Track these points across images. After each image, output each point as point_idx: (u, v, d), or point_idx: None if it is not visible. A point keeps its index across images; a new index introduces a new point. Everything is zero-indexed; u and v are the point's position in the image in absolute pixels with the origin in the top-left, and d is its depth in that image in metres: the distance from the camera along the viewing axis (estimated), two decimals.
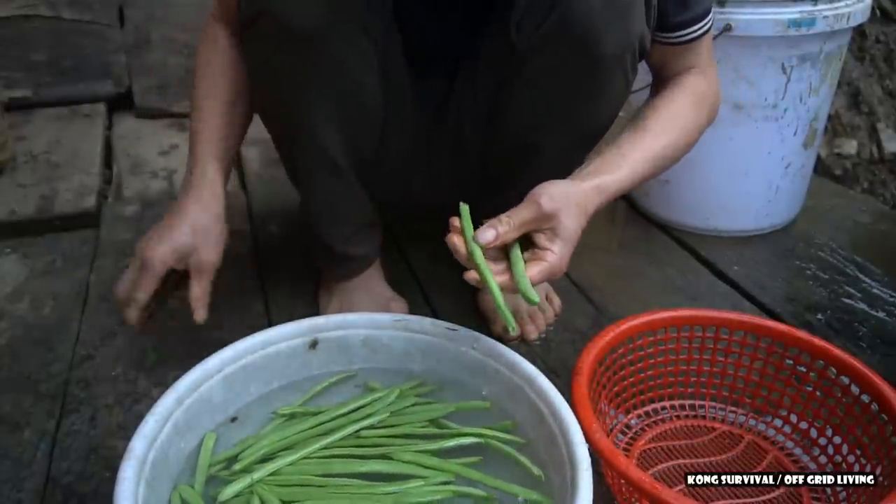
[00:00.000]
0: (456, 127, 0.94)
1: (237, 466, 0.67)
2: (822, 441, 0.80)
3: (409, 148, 0.95)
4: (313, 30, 0.74)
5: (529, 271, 0.67)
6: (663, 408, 0.86)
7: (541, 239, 0.70)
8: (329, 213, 0.94)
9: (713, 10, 0.86)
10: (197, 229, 0.83)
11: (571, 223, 0.70)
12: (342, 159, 0.87)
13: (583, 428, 0.64)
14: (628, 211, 1.41)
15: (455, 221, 0.70)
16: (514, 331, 0.69)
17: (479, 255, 0.67)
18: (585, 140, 0.88)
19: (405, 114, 0.91)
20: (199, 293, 0.82)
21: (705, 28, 0.84)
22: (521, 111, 0.85)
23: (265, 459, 0.69)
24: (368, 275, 1.02)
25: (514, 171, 0.91)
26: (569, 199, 0.70)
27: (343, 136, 0.84)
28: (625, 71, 0.80)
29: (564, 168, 0.85)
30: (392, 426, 0.73)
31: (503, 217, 0.69)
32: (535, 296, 0.66)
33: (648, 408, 0.86)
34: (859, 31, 1.93)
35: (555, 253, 0.69)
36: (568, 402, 0.66)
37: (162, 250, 0.81)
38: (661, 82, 0.89)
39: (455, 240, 0.69)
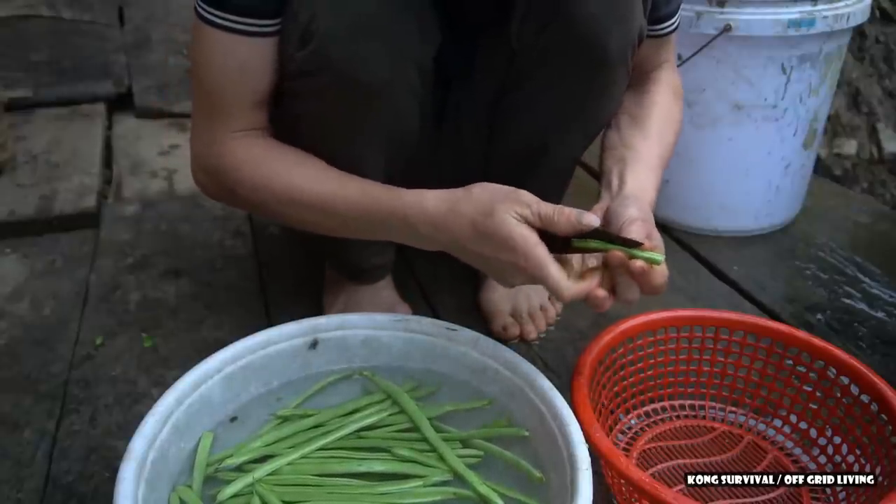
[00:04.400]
0: (455, 136, 0.94)
1: (229, 461, 0.67)
2: (822, 441, 0.80)
3: (421, 159, 0.95)
4: (377, 83, 0.73)
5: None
6: (663, 408, 0.86)
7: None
8: None
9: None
10: (480, 196, 0.68)
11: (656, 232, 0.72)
12: (382, 181, 0.85)
13: (583, 428, 0.64)
14: None
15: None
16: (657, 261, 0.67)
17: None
18: (593, 135, 0.90)
19: (423, 128, 0.91)
20: (550, 211, 0.66)
21: (679, 20, 0.90)
22: (529, 116, 0.86)
23: (264, 459, 0.69)
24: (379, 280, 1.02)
25: (520, 173, 0.91)
26: (648, 211, 0.73)
27: (385, 161, 0.83)
28: (626, 65, 0.81)
29: (569, 164, 0.85)
30: (390, 426, 0.73)
31: (646, 240, 0.67)
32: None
33: (648, 408, 0.86)
34: (859, 31, 1.93)
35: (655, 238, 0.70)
36: (568, 402, 0.66)
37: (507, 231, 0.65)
38: (639, 77, 0.90)
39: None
